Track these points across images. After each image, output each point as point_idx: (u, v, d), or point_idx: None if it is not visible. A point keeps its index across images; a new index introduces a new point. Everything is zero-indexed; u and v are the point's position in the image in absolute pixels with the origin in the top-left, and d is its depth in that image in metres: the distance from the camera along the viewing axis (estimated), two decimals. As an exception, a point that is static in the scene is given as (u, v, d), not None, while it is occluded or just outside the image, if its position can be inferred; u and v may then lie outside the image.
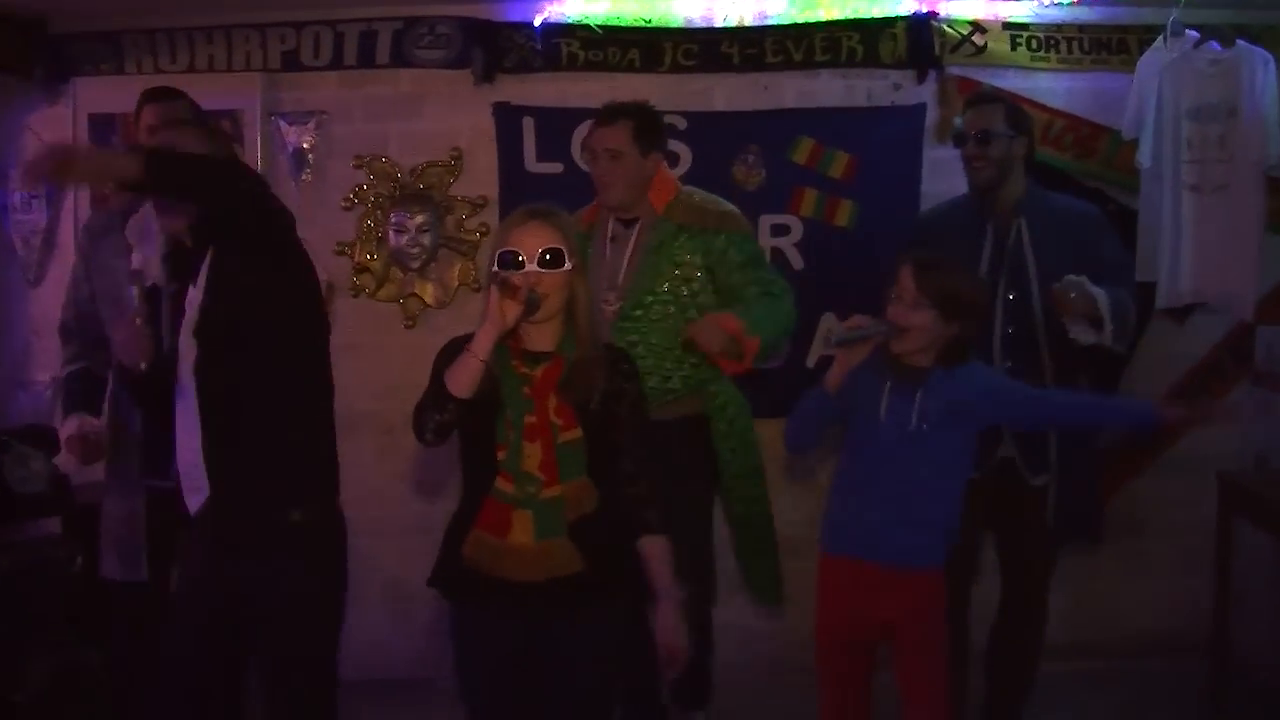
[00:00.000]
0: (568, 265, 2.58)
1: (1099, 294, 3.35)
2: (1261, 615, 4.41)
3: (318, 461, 2.90)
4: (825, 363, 4.27)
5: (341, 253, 4.56)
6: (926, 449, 2.97)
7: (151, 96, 3.49)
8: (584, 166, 3.73)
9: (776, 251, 4.47)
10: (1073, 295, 3.34)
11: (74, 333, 3.45)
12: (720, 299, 3.54)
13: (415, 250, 4.47)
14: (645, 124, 3.55)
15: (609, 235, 3.61)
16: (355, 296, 4.54)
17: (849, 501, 3.07)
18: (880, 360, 3.00)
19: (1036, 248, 3.55)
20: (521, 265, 2.55)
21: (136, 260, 3.27)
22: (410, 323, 4.54)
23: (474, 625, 2.69)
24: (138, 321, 2.89)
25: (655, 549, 2.66)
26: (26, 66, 4.48)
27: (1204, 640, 4.34)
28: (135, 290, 2.97)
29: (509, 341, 2.61)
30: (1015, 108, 3.73)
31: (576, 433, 2.60)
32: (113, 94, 4.38)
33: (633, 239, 3.58)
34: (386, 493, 4.55)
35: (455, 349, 2.59)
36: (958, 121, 3.77)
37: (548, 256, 2.56)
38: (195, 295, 2.74)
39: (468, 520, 2.63)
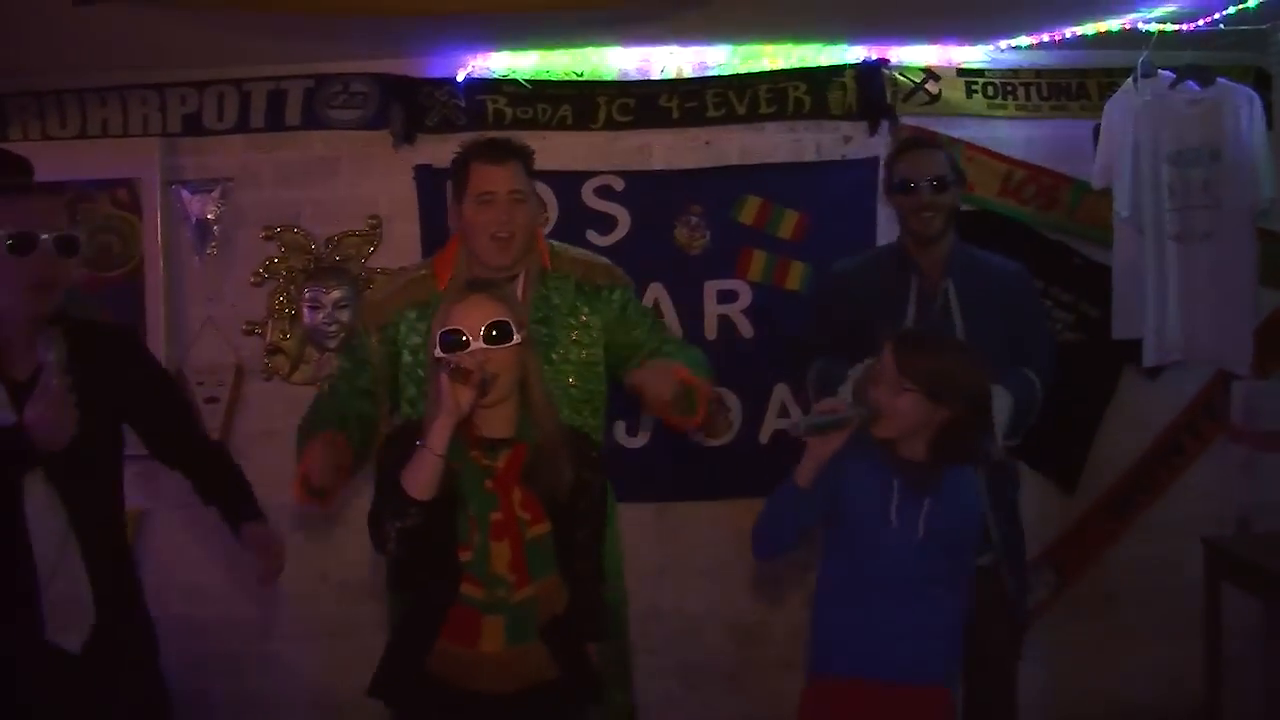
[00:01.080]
0: (516, 339, 2.49)
1: (997, 406, 3.26)
2: (1251, 684, 4.36)
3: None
4: (780, 438, 4.27)
5: (251, 332, 4.42)
6: (935, 561, 2.82)
7: None
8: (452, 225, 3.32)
9: (724, 319, 4.41)
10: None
11: None
12: (617, 361, 3.26)
13: (333, 328, 4.34)
14: (530, 164, 3.20)
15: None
16: (268, 380, 4.41)
17: (847, 614, 2.86)
18: (875, 452, 2.83)
19: (966, 312, 3.49)
20: (466, 344, 2.45)
21: None
22: None
23: None
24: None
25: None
26: (-98, 136, 4.35)
27: (1192, 712, 4.30)
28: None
29: (462, 429, 2.49)
30: (952, 154, 3.76)
31: (545, 526, 2.51)
32: None
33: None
34: (307, 594, 4.41)
35: (401, 444, 2.49)
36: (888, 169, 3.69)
37: (494, 332, 2.47)
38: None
39: (426, 628, 2.51)
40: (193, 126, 4.40)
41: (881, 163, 4.34)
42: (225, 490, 2.95)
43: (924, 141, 3.76)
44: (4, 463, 2.49)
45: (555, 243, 3.35)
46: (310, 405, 3.21)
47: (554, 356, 3.15)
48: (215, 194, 4.38)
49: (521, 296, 3.15)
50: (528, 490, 2.51)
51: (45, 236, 2.51)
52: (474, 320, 2.48)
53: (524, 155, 3.18)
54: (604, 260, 3.37)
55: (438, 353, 2.47)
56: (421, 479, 2.39)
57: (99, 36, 3.92)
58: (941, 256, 3.56)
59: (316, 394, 3.32)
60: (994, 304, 3.50)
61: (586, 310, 3.22)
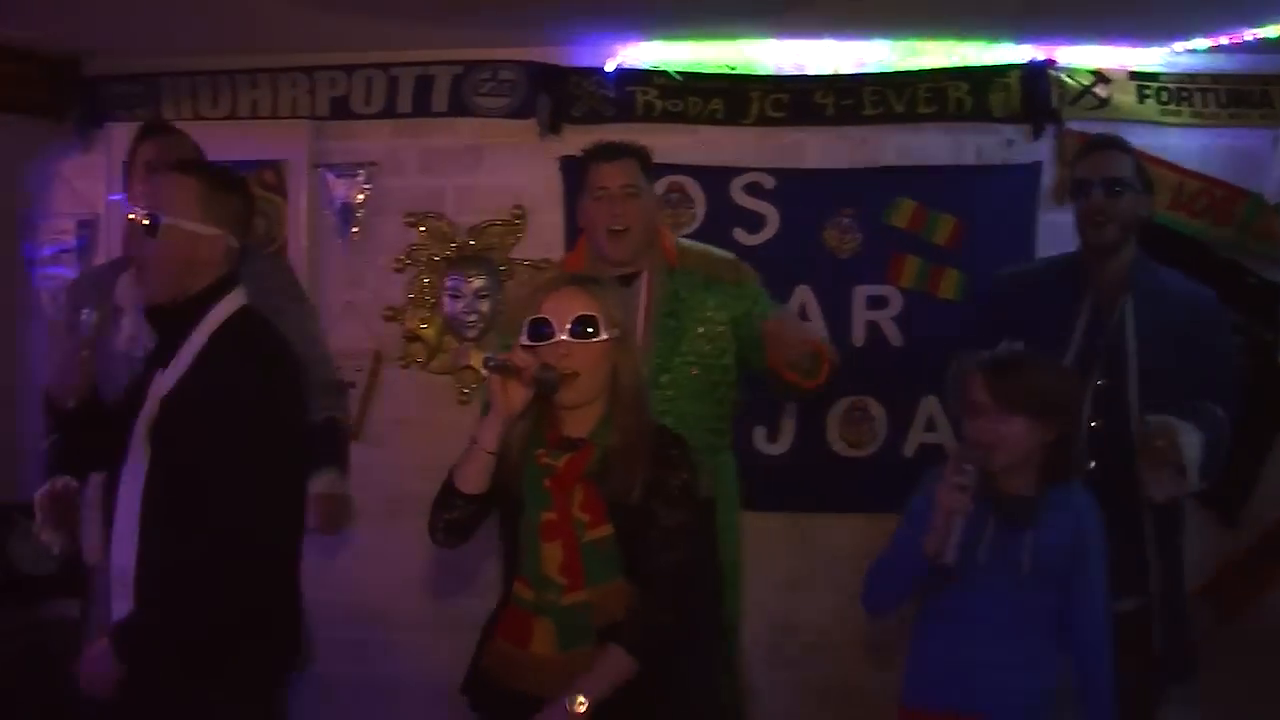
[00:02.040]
0: (604, 335, 2.50)
1: (1188, 443, 3.14)
2: None
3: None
4: (925, 451, 4.29)
5: (391, 318, 4.59)
6: (1038, 594, 2.80)
7: (151, 130, 3.46)
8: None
9: (872, 326, 4.43)
10: (1159, 443, 3.13)
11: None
12: (749, 356, 3.44)
13: (472, 318, 4.50)
14: (646, 163, 3.46)
15: None
16: (405, 367, 4.57)
17: (940, 647, 2.86)
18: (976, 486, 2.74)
19: (1141, 333, 3.35)
20: (551, 335, 2.48)
21: (127, 327, 3.21)
22: (465, 398, 4.54)
23: None
24: (84, 353, 2.70)
25: (609, 658, 2.49)
26: (58, 110, 4.60)
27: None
28: (93, 320, 2.76)
29: (547, 429, 2.55)
30: (1141, 162, 3.60)
31: (606, 529, 2.51)
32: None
33: (642, 296, 3.42)
34: (432, 584, 4.56)
35: None
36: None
37: (582, 326, 2.49)
38: (161, 386, 2.63)
39: (488, 623, 2.61)
40: (340, 110, 4.58)
41: (1043, 168, 4.41)
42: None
43: (1111, 142, 3.60)
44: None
45: (683, 240, 3.60)
46: None
47: (682, 349, 3.36)
48: (360, 178, 4.55)
49: (647, 293, 3.39)
50: (592, 491, 2.52)
51: (139, 213, 2.60)
52: (562, 312, 2.50)
53: (639, 154, 3.43)
54: (730, 256, 3.56)
55: (524, 340, 2.50)
56: (469, 473, 2.47)
57: (251, 18, 4.11)
58: (1120, 272, 3.41)
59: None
60: (1176, 331, 3.33)
61: (713, 304, 3.41)
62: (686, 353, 3.38)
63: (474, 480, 2.47)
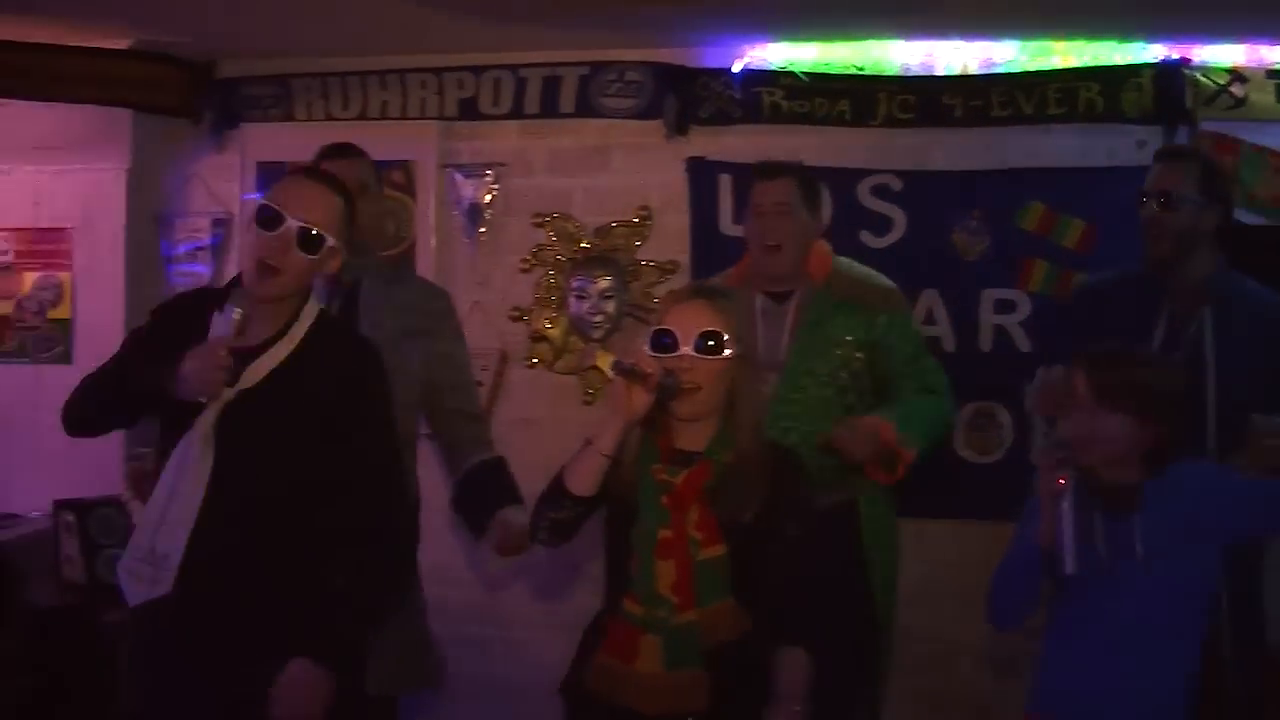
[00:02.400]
0: (727, 352, 2.53)
1: None
2: None
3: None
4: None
5: (518, 318, 4.70)
6: (1159, 581, 2.74)
7: (331, 153, 3.51)
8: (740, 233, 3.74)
9: (1000, 330, 4.44)
10: (1269, 442, 3.05)
11: None
12: (875, 384, 3.57)
13: (598, 318, 4.60)
14: (808, 184, 3.60)
15: (758, 310, 3.58)
16: (531, 367, 4.67)
17: (1068, 654, 2.83)
18: (1078, 481, 2.73)
19: (1220, 346, 3.31)
20: (675, 347, 2.52)
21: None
22: (590, 398, 4.63)
23: None
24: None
25: (790, 660, 2.55)
26: (194, 111, 4.79)
27: None
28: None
29: (659, 439, 2.58)
30: (1211, 167, 3.54)
31: (719, 549, 2.53)
32: (282, 141, 4.62)
33: (790, 315, 3.56)
34: (556, 584, 4.66)
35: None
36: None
37: (707, 341, 2.52)
38: (240, 382, 2.64)
39: (596, 636, 2.62)
40: (469, 111, 4.70)
41: None
42: (332, 602, 2.68)
43: (1174, 153, 3.60)
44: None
45: (844, 261, 3.67)
46: None
47: (817, 370, 3.50)
48: (488, 178, 4.67)
49: (795, 312, 3.55)
50: (706, 510, 2.54)
51: (291, 222, 2.61)
52: (688, 325, 2.53)
53: (798, 173, 3.58)
54: (885, 284, 3.64)
55: (648, 351, 2.53)
56: (582, 475, 2.50)
57: (381, 21, 4.25)
58: (1196, 283, 3.37)
59: None
60: (1258, 344, 3.30)
61: (852, 327, 3.53)
62: (821, 374, 3.50)
63: (586, 482, 2.51)
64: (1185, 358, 3.31)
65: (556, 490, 2.54)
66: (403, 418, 3.14)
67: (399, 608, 2.93)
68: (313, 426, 2.63)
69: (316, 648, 2.58)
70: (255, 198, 3.50)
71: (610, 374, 2.49)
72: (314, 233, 2.62)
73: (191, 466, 2.61)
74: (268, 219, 2.62)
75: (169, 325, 2.78)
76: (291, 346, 2.67)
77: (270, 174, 4.66)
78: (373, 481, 2.71)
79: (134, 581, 2.65)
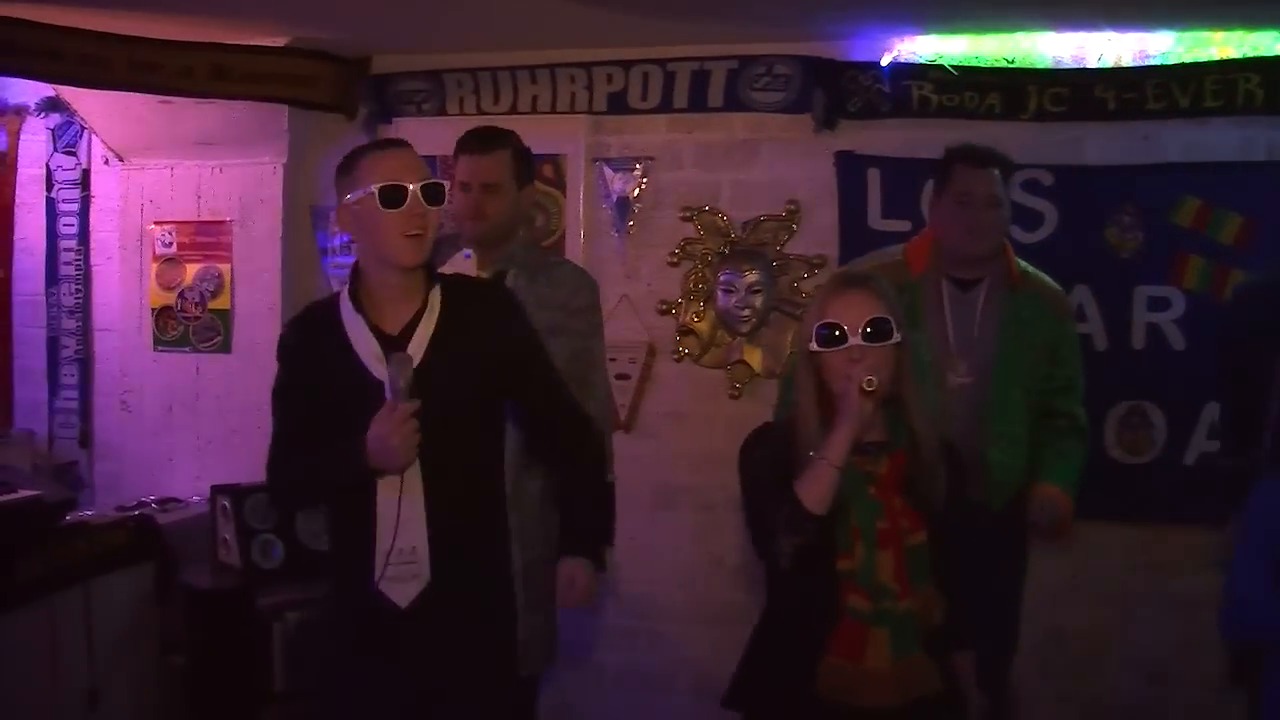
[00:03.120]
0: (896, 338, 2.58)
1: None
2: None
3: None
4: (1205, 461, 4.33)
5: (665, 312, 4.84)
6: None
7: (468, 147, 3.63)
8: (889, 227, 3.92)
9: (1153, 328, 4.47)
10: None
11: None
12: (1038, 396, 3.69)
13: (745, 313, 4.72)
14: (1008, 172, 3.72)
15: (944, 295, 3.66)
16: (678, 360, 4.81)
17: None
18: None
19: None
20: (844, 339, 2.56)
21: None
22: (736, 392, 4.76)
23: None
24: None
25: (960, 664, 2.73)
26: (351, 106, 5.02)
27: None
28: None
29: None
30: None
31: (922, 535, 2.61)
32: (435, 135, 4.75)
33: (979, 304, 3.64)
34: (701, 577, 4.81)
35: (773, 448, 2.64)
36: None
37: (873, 329, 2.55)
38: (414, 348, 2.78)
39: (802, 639, 2.62)
40: (618, 105, 4.85)
41: None
42: (572, 509, 3.24)
43: None
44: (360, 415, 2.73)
45: (1022, 261, 3.76)
46: None
47: (1018, 372, 3.62)
48: (636, 172, 4.82)
49: (985, 302, 3.64)
50: (904, 497, 2.63)
51: (412, 186, 2.71)
52: (854, 316, 2.56)
53: (1004, 163, 3.67)
54: (1059, 288, 3.80)
55: (814, 347, 2.59)
56: (820, 493, 2.50)
57: (531, 16, 4.41)
58: None
59: None
60: None
61: (1044, 330, 3.66)
62: (1020, 376, 3.63)
63: (825, 499, 2.51)
64: None
65: (797, 514, 2.52)
66: None
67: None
68: (482, 376, 2.82)
69: (576, 545, 3.27)
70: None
71: (863, 392, 2.50)
72: (434, 184, 2.75)
73: None
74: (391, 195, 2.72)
75: (303, 360, 2.89)
76: (436, 313, 2.80)
77: (424, 168, 4.93)
78: (555, 401, 3.03)
79: (398, 586, 2.78)
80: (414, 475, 2.75)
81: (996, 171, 3.63)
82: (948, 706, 2.67)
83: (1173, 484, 4.44)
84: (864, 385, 2.50)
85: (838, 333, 2.57)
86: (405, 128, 4.93)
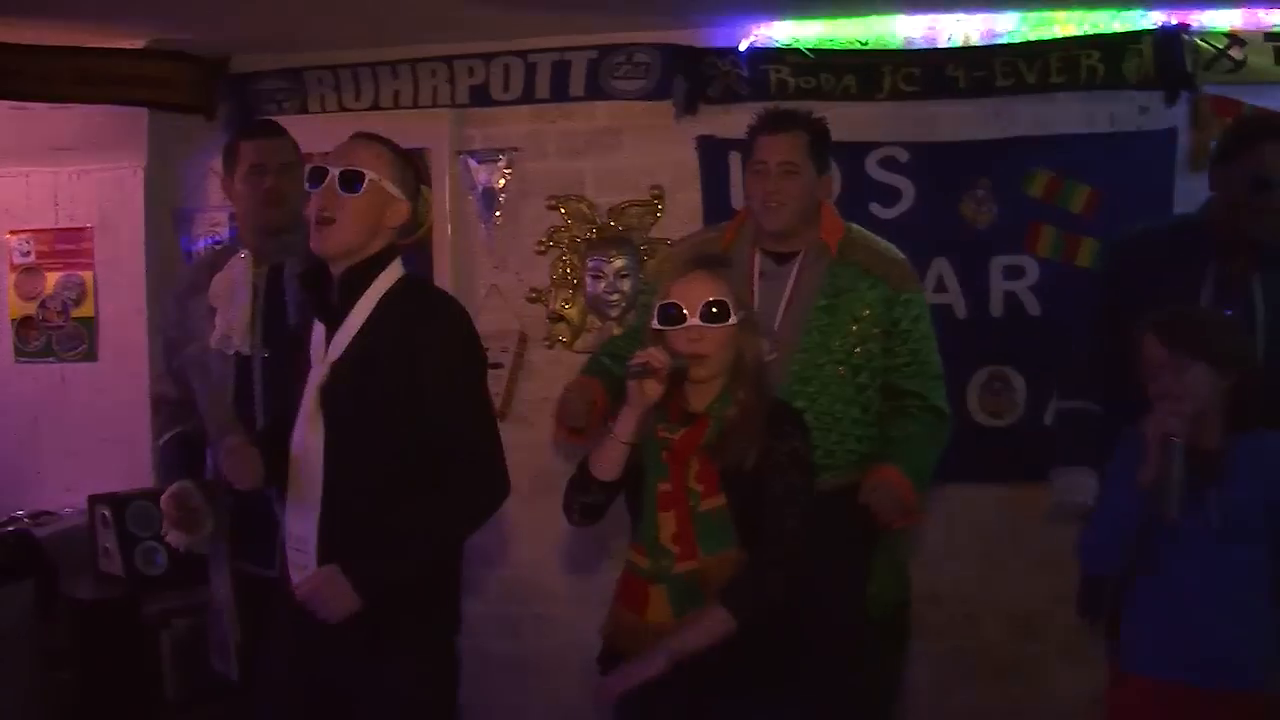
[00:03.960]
0: (733, 320, 2.74)
1: None
2: None
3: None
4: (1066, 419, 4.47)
5: (535, 300, 4.90)
6: (1235, 549, 2.91)
7: (252, 133, 3.68)
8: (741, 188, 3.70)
9: (1010, 296, 4.62)
10: None
11: (169, 401, 3.63)
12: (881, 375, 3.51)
13: (614, 297, 4.80)
14: (819, 139, 3.52)
15: (756, 270, 3.52)
16: (550, 347, 4.87)
17: (1152, 613, 3.01)
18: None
19: (1269, 312, 3.46)
20: (683, 319, 2.72)
21: (220, 324, 3.47)
22: None
23: (639, 704, 2.77)
24: (236, 443, 2.86)
25: (710, 615, 2.70)
26: (210, 107, 4.99)
27: None
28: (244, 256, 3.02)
29: (671, 402, 2.77)
30: None
31: (719, 500, 2.73)
32: (297, 133, 4.74)
33: (791, 279, 3.50)
34: (584, 558, 4.86)
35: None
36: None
37: (713, 310, 2.72)
38: (329, 355, 2.82)
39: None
40: (480, 98, 4.89)
41: (1178, 134, 4.51)
42: (398, 526, 2.80)
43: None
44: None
45: (855, 228, 3.66)
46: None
47: (833, 345, 3.44)
48: (501, 163, 4.87)
49: (798, 275, 3.48)
50: (707, 463, 2.74)
51: (333, 170, 2.78)
52: (693, 296, 2.72)
53: (809, 126, 3.52)
54: (902, 259, 3.62)
55: (654, 325, 2.76)
56: (604, 462, 2.75)
57: (390, 12, 4.44)
58: (1250, 245, 3.49)
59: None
60: None
61: (870, 303, 3.48)
62: (837, 350, 3.44)
63: (610, 469, 2.75)
64: (1238, 318, 3.40)
65: (584, 477, 2.79)
66: None
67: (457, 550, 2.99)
68: (399, 391, 2.77)
69: (359, 562, 2.72)
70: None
71: (629, 375, 2.67)
72: (353, 170, 2.78)
73: (307, 445, 2.82)
74: (315, 174, 2.81)
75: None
76: (367, 313, 2.81)
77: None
78: (461, 439, 2.81)
79: (295, 571, 2.84)
80: (316, 460, 2.80)
81: (800, 136, 3.48)
82: (726, 664, 2.73)
83: (1035, 444, 4.53)
84: (628, 371, 2.68)
85: (678, 313, 2.72)
86: (268, 127, 4.90)
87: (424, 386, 2.76)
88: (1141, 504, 2.91)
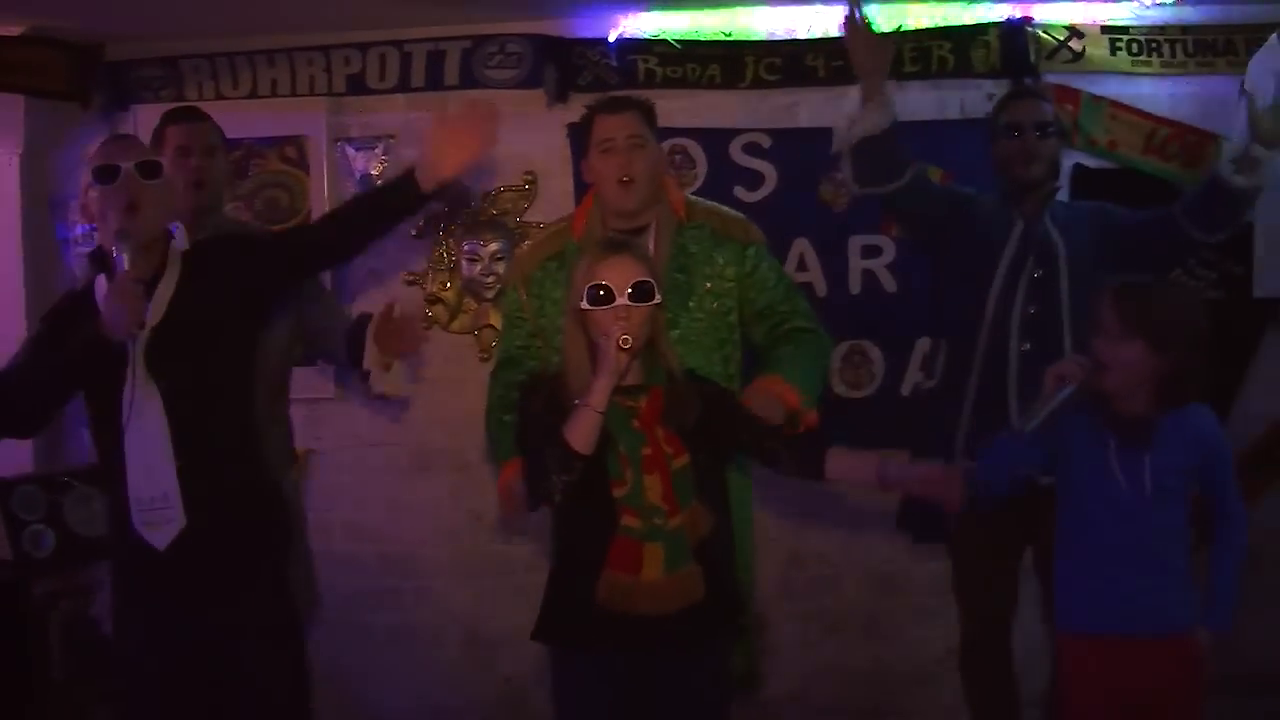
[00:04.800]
0: (657, 299, 2.95)
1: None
2: None
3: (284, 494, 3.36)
4: (921, 392, 4.73)
5: (412, 283, 5.01)
6: (1164, 513, 3.10)
7: (178, 116, 3.88)
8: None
9: (868, 274, 4.87)
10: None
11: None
12: (748, 320, 3.71)
13: (489, 279, 4.93)
14: (650, 115, 3.66)
15: None
16: (427, 328, 4.93)
17: (1084, 573, 3.17)
18: (1092, 408, 3.08)
19: (1068, 259, 3.83)
20: (612, 300, 2.90)
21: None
22: (485, 355, 4.92)
23: (594, 670, 3.00)
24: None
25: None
26: (85, 94, 4.98)
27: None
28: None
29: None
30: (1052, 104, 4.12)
31: (685, 458, 2.97)
32: None
33: (649, 249, 3.55)
34: (462, 534, 5.00)
35: (539, 395, 2.99)
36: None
37: (639, 290, 2.91)
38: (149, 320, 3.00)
39: (587, 563, 2.95)
40: (356, 86, 4.98)
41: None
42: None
43: (1032, 91, 4.10)
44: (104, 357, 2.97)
45: (692, 196, 3.92)
46: (496, 385, 3.78)
47: (690, 304, 3.61)
48: (378, 150, 4.97)
49: (655, 246, 3.60)
50: (666, 427, 2.97)
51: (126, 165, 2.99)
52: (621, 278, 2.89)
53: (642, 106, 3.68)
54: (738, 214, 3.85)
55: (584, 305, 2.93)
56: (583, 434, 2.84)
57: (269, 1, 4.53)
58: (1042, 206, 3.89)
59: (494, 370, 3.86)
60: (1091, 246, 3.83)
61: (721, 261, 3.66)
62: (694, 308, 3.62)
63: (591, 440, 2.84)
64: (1037, 275, 3.82)
65: (563, 455, 2.85)
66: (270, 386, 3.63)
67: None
68: (230, 323, 3.07)
69: None
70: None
71: (618, 349, 2.83)
72: (150, 160, 3.02)
73: (144, 409, 2.97)
74: (105, 172, 2.99)
75: (63, 321, 3.13)
76: (177, 272, 3.06)
77: (161, 154, 4.97)
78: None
79: (154, 530, 2.99)
80: (156, 419, 2.97)
81: (638, 113, 3.62)
82: (713, 611, 3.01)
83: (892, 414, 4.83)
84: (620, 343, 2.84)
85: (605, 293, 2.89)
86: (142, 115, 4.94)
87: (268, 251, 3.20)
88: (1029, 453, 3.16)
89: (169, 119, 3.89)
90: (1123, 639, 3.12)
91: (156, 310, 3.00)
